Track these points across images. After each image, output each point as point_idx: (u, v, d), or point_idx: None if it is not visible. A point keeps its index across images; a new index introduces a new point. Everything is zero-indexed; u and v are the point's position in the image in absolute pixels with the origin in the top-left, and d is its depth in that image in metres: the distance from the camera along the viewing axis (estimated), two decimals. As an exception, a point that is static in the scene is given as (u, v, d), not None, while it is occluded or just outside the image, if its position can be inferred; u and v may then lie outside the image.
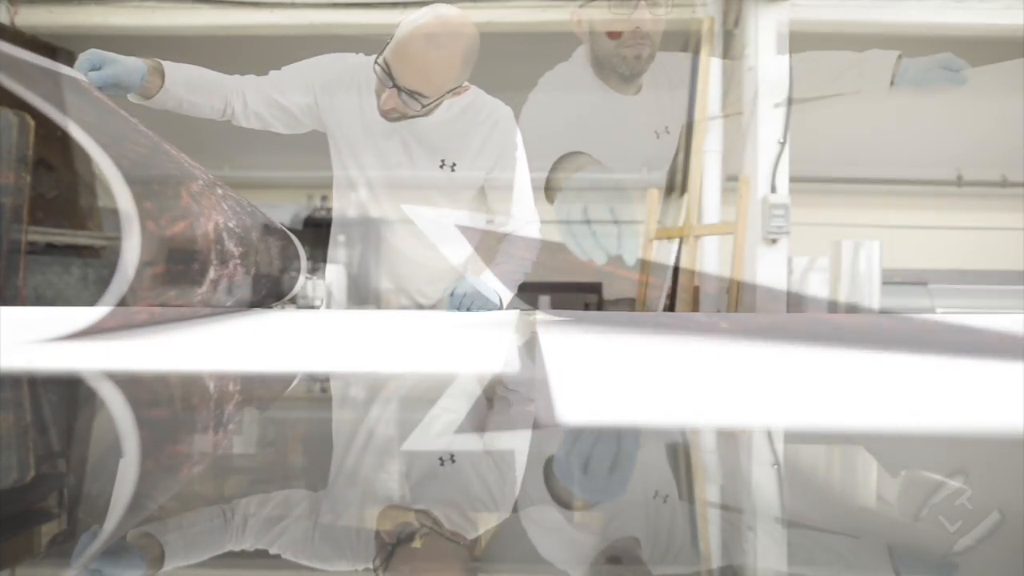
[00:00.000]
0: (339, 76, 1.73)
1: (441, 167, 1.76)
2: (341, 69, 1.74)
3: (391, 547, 0.33)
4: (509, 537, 0.35)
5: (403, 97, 1.59)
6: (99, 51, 1.40)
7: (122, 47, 1.49)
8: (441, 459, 0.44)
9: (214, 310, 1.07)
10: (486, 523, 0.36)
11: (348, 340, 0.93)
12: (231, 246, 1.03)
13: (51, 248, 2.72)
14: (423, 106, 1.62)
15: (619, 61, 1.99)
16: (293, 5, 3.01)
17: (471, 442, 0.48)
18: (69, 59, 2.60)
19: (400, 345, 0.86)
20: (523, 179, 1.81)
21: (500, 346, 0.86)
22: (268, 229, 1.41)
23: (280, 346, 0.84)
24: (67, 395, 0.60)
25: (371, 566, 0.32)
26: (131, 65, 1.44)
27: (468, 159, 1.77)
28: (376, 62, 1.60)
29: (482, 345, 0.87)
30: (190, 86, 1.58)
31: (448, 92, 1.63)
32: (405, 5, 2.94)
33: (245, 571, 0.33)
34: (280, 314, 1.36)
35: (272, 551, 0.33)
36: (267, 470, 0.44)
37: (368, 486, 0.41)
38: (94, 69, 1.36)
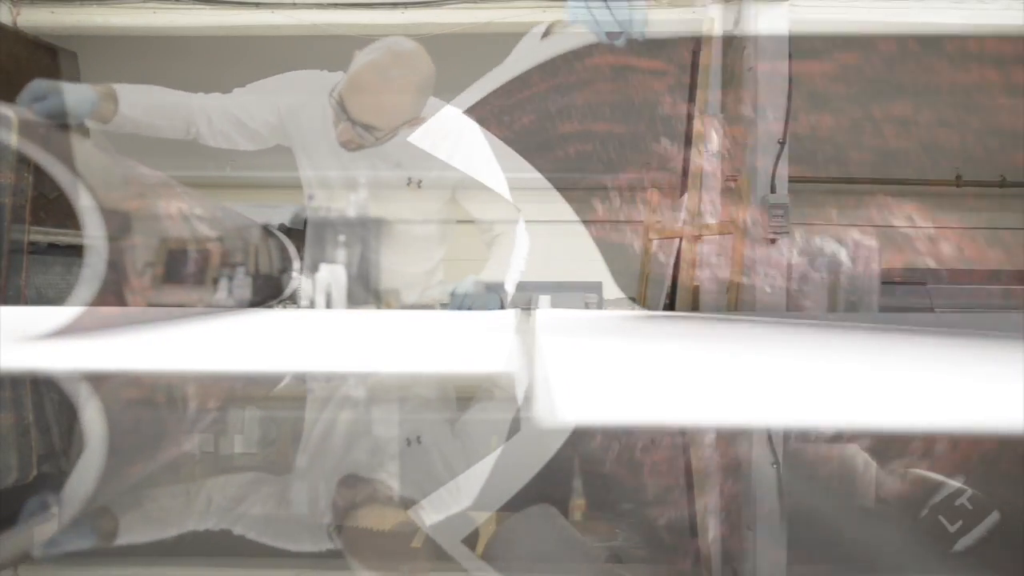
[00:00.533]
0: (304, 98, 1.75)
1: (408, 185, 1.78)
2: (306, 91, 1.75)
3: (344, 513, 0.34)
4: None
5: (357, 130, 1.61)
6: (43, 81, 1.40)
7: (123, 48, 1.49)
8: (408, 440, 0.46)
9: (205, 309, 1.08)
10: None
11: (348, 340, 0.94)
12: (203, 229, 1.06)
13: (53, 248, 2.71)
14: (377, 139, 1.64)
15: None
16: (293, 5, 3.01)
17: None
18: (71, 59, 2.60)
19: (406, 345, 0.86)
20: (498, 183, 1.82)
21: (502, 346, 0.86)
22: (251, 227, 1.42)
23: (275, 346, 0.85)
24: (50, 391, 0.60)
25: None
26: (78, 94, 1.45)
27: (435, 174, 1.79)
28: (331, 95, 1.62)
29: (484, 345, 0.87)
30: (149, 110, 1.59)
31: (403, 124, 1.65)
32: (405, 5, 2.94)
33: (246, 570, 0.34)
34: (276, 314, 1.36)
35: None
36: (267, 469, 0.45)
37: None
38: (38, 100, 1.37)
